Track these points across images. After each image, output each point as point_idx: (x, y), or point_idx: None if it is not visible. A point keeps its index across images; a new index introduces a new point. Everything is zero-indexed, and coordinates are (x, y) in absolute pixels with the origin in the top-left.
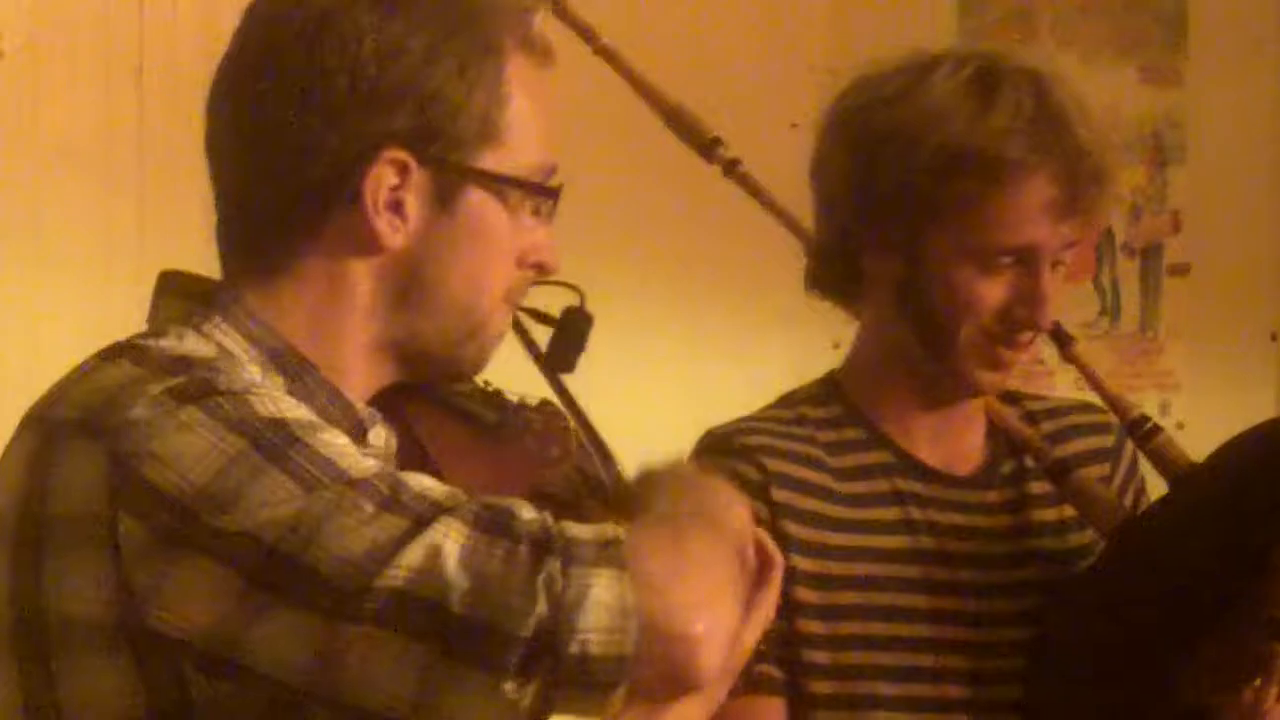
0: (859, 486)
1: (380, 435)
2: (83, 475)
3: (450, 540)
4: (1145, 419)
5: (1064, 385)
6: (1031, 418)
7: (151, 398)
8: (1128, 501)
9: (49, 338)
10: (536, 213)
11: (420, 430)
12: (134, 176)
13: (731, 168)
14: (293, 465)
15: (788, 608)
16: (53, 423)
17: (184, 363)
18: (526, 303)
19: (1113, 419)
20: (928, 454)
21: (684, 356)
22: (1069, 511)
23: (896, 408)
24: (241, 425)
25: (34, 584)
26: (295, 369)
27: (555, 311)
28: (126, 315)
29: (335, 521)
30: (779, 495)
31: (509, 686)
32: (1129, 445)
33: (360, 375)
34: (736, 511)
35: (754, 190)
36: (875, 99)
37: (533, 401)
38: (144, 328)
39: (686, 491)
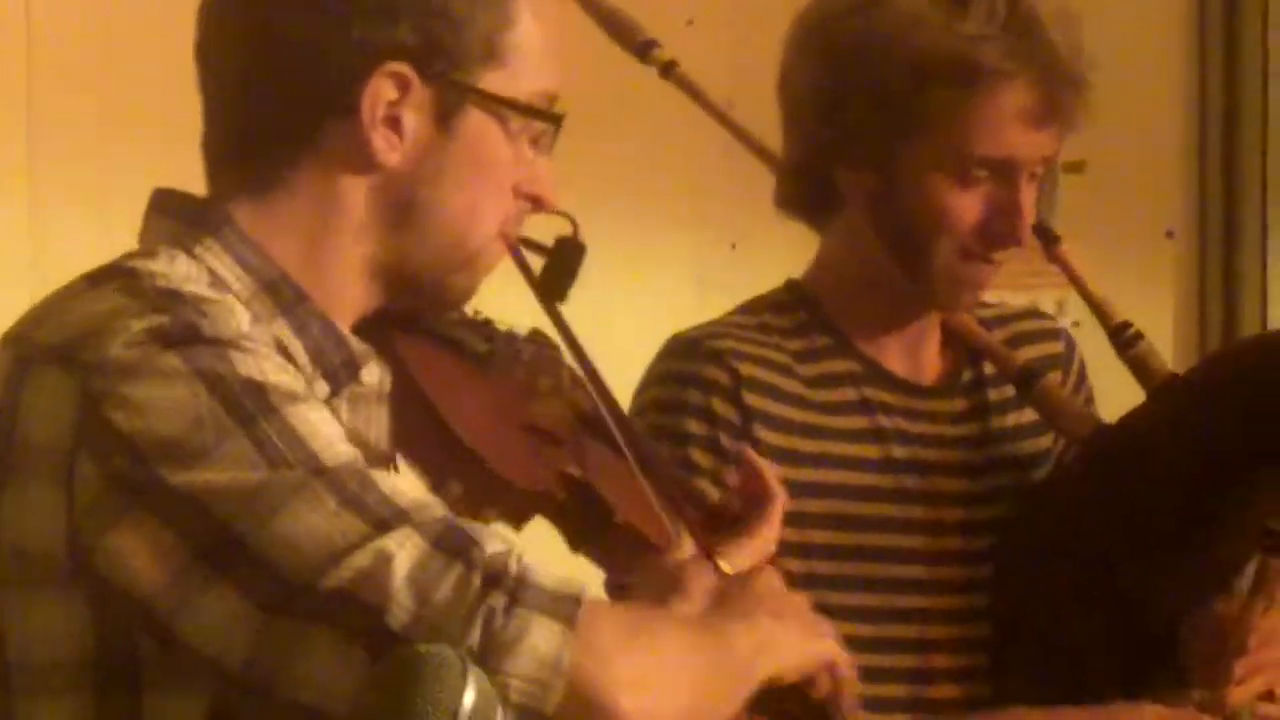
0: (828, 394)
1: (374, 373)
2: (52, 406)
3: (405, 552)
4: (1127, 325)
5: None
6: (983, 324)
7: (131, 336)
8: None
9: None
10: (536, 143)
11: (411, 362)
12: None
13: (668, 70)
14: (261, 435)
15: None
16: (32, 345)
17: (172, 298)
18: None
19: (1060, 324)
20: (894, 364)
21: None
22: (1027, 416)
23: (864, 318)
24: (218, 382)
25: None
26: (289, 300)
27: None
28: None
29: (293, 509)
30: (750, 400)
31: None
32: (1078, 352)
33: (351, 297)
34: (784, 643)
35: (692, 92)
36: (844, 7)
37: (523, 331)
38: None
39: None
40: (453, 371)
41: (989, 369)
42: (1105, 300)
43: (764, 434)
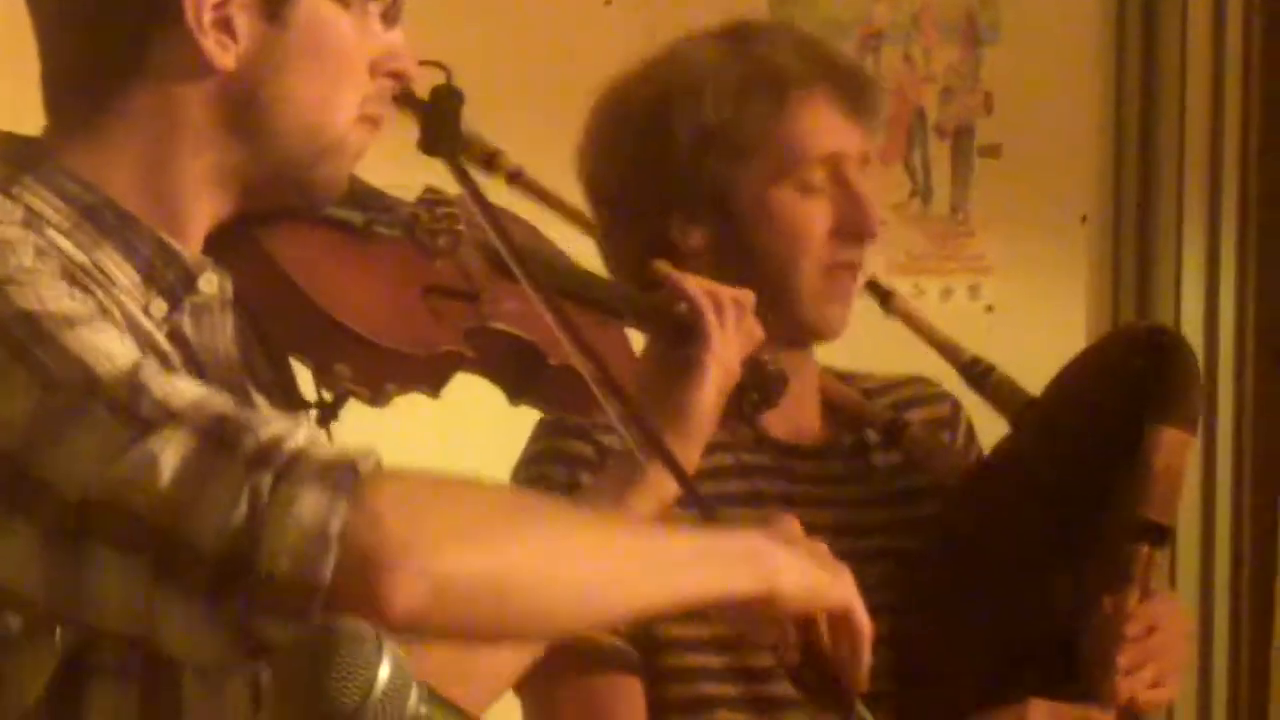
0: (704, 462)
1: (212, 282)
2: None
3: (170, 450)
4: (978, 361)
5: None
6: (866, 395)
7: None
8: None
9: None
10: (385, 16)
11: (277, 253)
12: None
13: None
14: (35, 362)
15: None
16: None
17: None
18: None
19: (945, 389)
20: (774, 428)
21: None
22: (917, 481)
23: None
24: None
25: None
26: (113, 224)
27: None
28: None
29: (67, 428)
30: None
31: (201, 608)
32: (964, 414)
33: (199, 209)
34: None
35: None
36: (636, 78)
37: (425, 190)
38: None
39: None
40: (325, 251)
41: (874, 435)
42: (949, 340)
43: None
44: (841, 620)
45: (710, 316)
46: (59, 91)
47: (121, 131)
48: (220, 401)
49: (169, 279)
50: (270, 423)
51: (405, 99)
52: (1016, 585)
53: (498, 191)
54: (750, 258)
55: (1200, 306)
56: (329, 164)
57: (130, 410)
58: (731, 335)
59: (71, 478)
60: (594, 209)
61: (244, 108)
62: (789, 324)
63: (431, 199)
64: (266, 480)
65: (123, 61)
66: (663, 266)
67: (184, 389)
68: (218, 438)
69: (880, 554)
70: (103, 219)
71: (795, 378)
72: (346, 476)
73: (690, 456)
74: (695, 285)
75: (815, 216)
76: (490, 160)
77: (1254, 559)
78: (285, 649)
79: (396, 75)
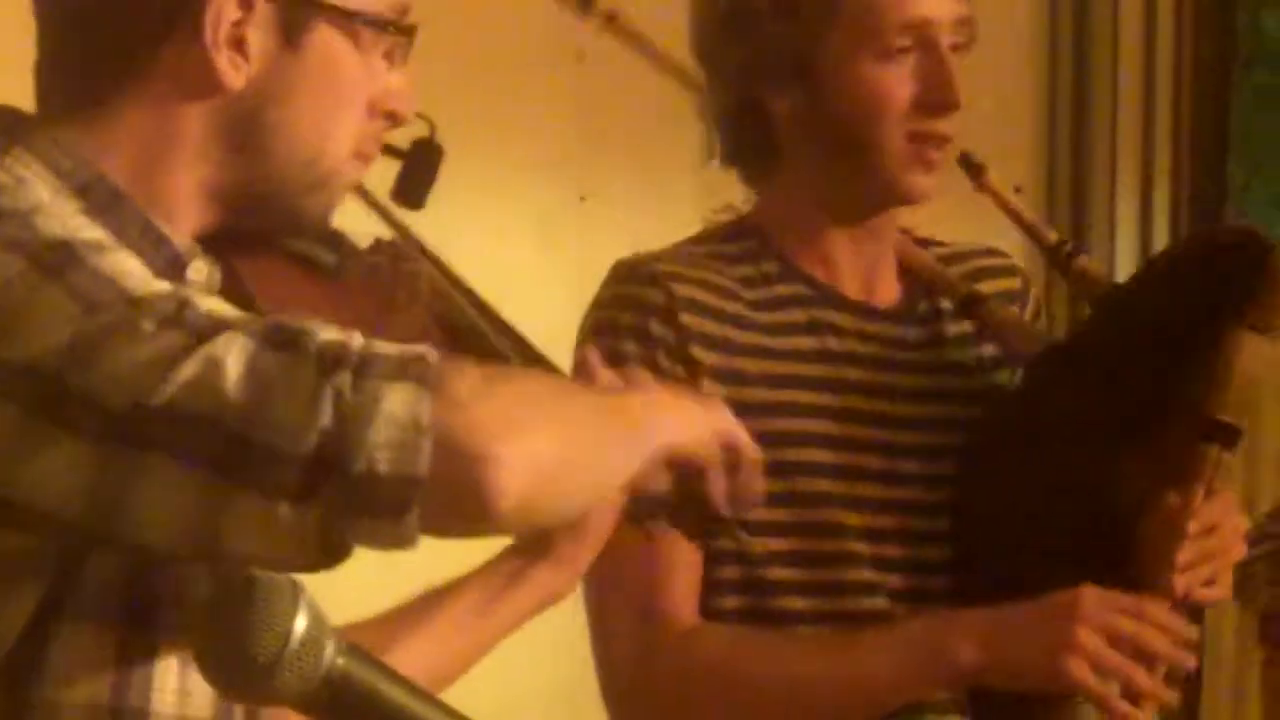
0: (774, 316)
1: (201, 270)
2: None
3: (233, 355)
4: (1064, 242)
5: None
6: (942, 263)
7: None
8: None
9: None
10: (389, 56)
11: (249, 280)
12: None
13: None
14: (73, 285)
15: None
16: None
17: None
18: None
19: (1017, 262)
20: (847, 288)
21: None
22: (988, 351)
23: (814, 243)
24: (21, 245)
25: None
26: (105, 201)
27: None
28: None
29: (112, 342)
30: (686, 319)
31: (284, 510)
32: (1034, 290)
33: (184, 217)
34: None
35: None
36: None
37: (376, 242)
38: None
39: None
40: (295, 287)
41: (947, 302)
42: (1038, 222)
43: (701, 354)
44: (730, 451)
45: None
46: (55, 83)
47: (116, 132)
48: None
49: (159, 264)
50: (325, 326)
51: (386, 149)
52: (1082, 469)
53: (496, 30)
54: (834, 125)
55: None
56: (320, 194)
57: (179, 321)
58: None
59: (122, 387)
60: (696, 63)
61: (245, 128)
62: (873, 190)
63: (393, 252)
64: (346, 379)
65: (128, 66)
66: (585, 355)
67: (224, 306)
68: (279, 340)
69: (947, 422)
70: (95, 195)
71: (874, 240)
72: (422, 368)
73: None
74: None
75: (896, 84)
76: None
77: None
78: (205, 602)
79: (392, 116)
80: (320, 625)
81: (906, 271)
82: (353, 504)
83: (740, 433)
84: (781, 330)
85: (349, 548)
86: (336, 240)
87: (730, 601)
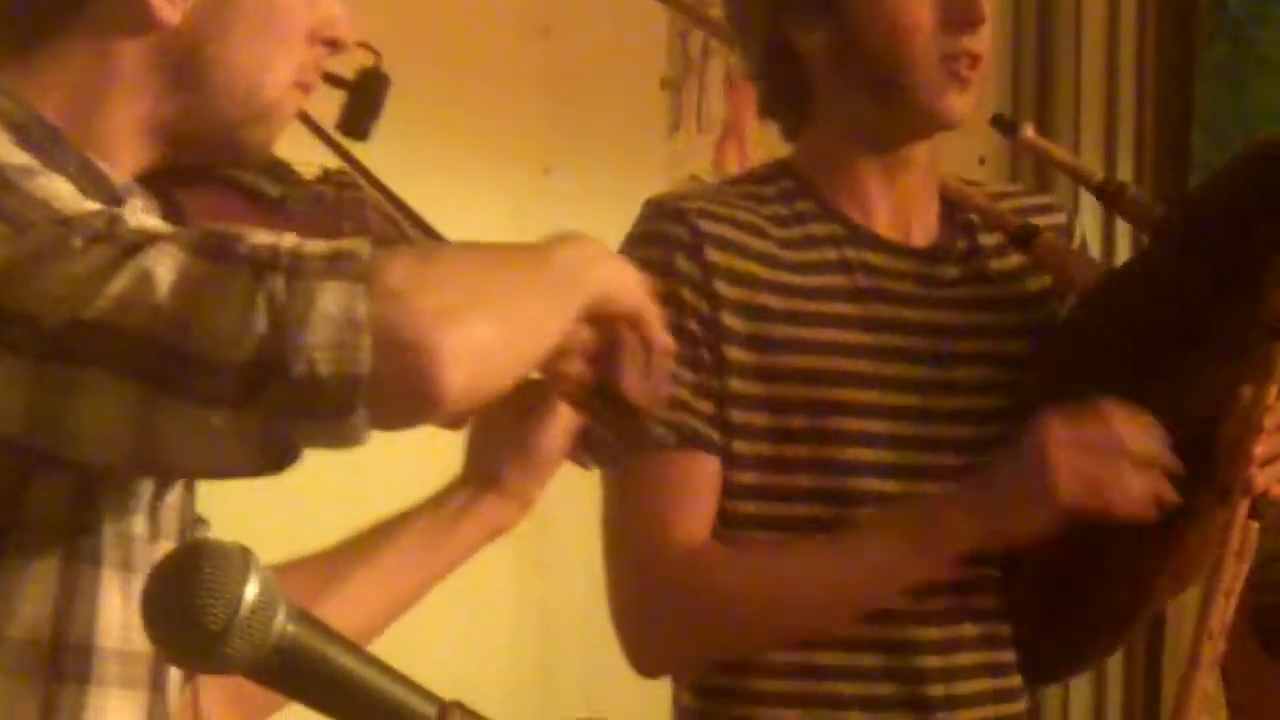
0: (804, 255)
1: (137, 207)
2: None
3: (164, 266)
4: (1109, 181)
5: None
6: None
7: None
8: None
9: None
10: None
11: (192, 214)
12: None
13: None
14: (2, 208)
15: (720, 366)
16: None
17: None
18: None
19: (1059, 201)
20: (881, 227)
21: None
22: (1032, 286)
23: (849, 183)
24: None
25: None
26: (41, 140)
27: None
28: None
29: (44, 260)
30: (712, 255)
31: (225, 417)
32: (1079, 223)
33: (124, 155)
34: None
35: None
36: None
37: (321, 172)
38: None
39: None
40: (238, 219)
41: (989, 240)
42: (1079, 163)
43: (725, 289)
44: (642, 326)
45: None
46: None
47: (53, 71)
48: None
49: (96, 201)
50: (256, 232)
51: (331, 78)
52: (1155, 380)
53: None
54: (865, 56)
55: (1097, 246)
56: (261, 126)
57: (110, 236)
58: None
59: (55, 304)
60: (726, 19)
61: (182, 63)
62: (910, 116)
63: (339, 181)
64: (279, 282)
65: (64, 5)
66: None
67: (154, 221)
68: (209, 249)
69: (992, 357)
70: (29, 134)
71: (909, 175)
72: (353, 264)
73: None
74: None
75: (921, 7)
76: None
77: None
78: (154, 570)
79: (333, 43)
80: (271, 592)
81: (949, 211)
82: (296, 408)
83: (656, 313)
84: (811, 269)
85: (295, 451)
86: (281, 171)
87: (748, 507)
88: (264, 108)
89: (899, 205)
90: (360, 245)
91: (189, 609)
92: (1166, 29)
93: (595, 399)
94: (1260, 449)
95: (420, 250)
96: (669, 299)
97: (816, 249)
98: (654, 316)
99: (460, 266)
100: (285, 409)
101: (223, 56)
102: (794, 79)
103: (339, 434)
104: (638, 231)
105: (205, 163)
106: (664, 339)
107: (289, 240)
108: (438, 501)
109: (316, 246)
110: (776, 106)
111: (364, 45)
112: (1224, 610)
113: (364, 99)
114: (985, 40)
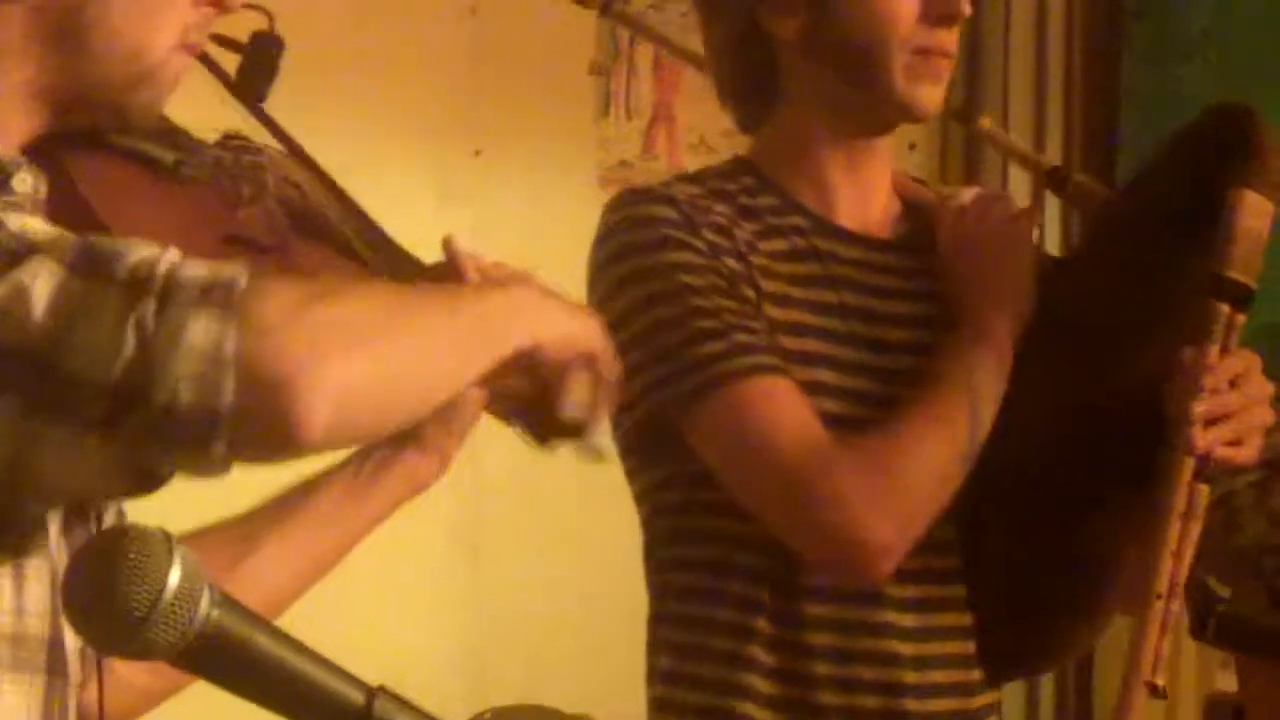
0: (775, 244)
1: (26, 181)
2: None
3: (40, 281)
4: (1058, 168)
5: None
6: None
7: None
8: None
9: None
10: None
11: (84, 181)
12: None
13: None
14: None
15: (760, 296)
16: None
17: None
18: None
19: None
20: (844, 219)
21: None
22: None
23: (811, 176)
24: None
25: None
26: None
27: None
28: None
29: None
30: (707, 235)
31: (93, 441)
32: (1036, 215)
33: (11, 124)
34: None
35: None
36: None
37: (224, 136)
38: None
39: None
40: (130, 185)
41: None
42: (1030, 151)
43: (731, 264)
44: (589, 362)
45: None
46: None
47: None
48: (72, 236)
49: None
50: (136, 246)
51: (223, 41)
52: (1109, 353)
53: None
54: (841, 45)
55: (1056, 232)
56: (146, 89)
57: None
58: None
59: None
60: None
61: (63, 28)
62: (881, 107)
63: (238, 145)
64: (150, 307)
65: None
66: (450, 241)
67: (38, 224)
68: (87, 266)
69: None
70: None
71: (871, 168)
72: (229, 294)
73: None
74: (475, 266)
75: (902, 1)
76: None
77: None
78: (75, 556)
79: (219, 4)
80: (194, 577)
81: (908, 205)
82: (156, 435)
83: (603, 343)
84: (784, 257)
85: (162, 476)
86: (176, 137)
87: None
88: (147, 70)
89: (860, 196)
90: (239, 273)
91: (111, 596)
92: (1094, 8)
93: (535, 411)
94: (1202, 409)
95: (312, 284)
96: (685, 268)
97: (787, 238)
98: (598, 356)
99: (351, 306)
100: (147, 435)
101: (103, 19)
102: (761, 65)
103: (199, 464)
104: (618, 218)
105: (93, 129)
106: (609, 374)
107: (170, 259)
108: (356, 459)
109: (195, 270)
110: (739, 93)
111: (255, 7)
112: (1171, 569)
113: (257, 61)
114: (955, 38)
